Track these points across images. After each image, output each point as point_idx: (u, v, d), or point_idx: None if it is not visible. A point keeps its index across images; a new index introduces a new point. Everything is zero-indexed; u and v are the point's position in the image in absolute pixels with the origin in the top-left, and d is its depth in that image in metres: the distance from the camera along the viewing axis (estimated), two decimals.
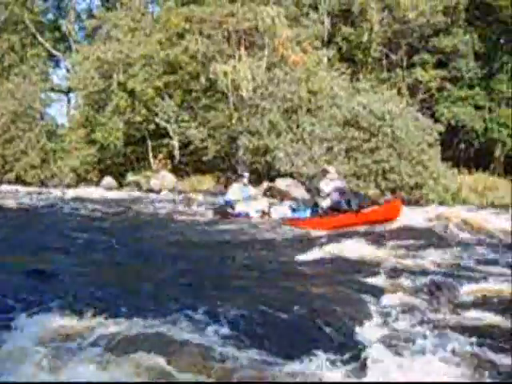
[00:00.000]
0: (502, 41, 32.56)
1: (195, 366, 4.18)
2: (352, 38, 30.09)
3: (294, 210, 13.88)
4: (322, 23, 30.43)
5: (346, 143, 21.12)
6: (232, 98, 26.47)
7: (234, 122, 26.55)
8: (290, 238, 11.27)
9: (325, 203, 12.54)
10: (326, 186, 12.81)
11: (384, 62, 31.24)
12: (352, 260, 8.66)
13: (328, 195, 12.64)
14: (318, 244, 9.85)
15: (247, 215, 14.55)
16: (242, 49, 26.77)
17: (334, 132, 21.47)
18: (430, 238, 11.08)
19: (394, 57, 30.86)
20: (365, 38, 29.26)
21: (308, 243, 10.23)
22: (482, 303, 6.16)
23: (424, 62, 29.74)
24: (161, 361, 4.18)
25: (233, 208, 15.04)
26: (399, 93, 26.69)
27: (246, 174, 16.06)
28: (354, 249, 9.35)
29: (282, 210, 14.22)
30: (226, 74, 25.60)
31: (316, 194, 13.16)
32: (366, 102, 21.74)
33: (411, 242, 10.43)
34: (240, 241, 10.98)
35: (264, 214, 14.59)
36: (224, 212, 15.00)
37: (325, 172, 13.30)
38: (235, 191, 15.22)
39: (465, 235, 11.64)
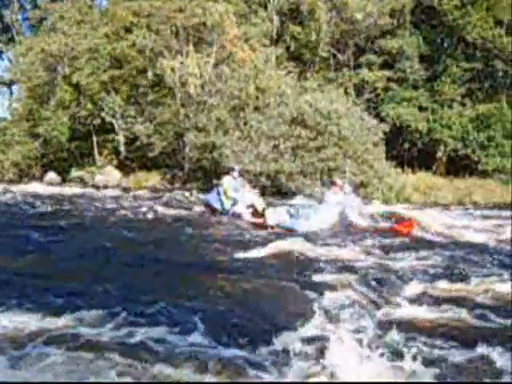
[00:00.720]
0: (445, 44, 33.30)
1: (150, 363, 4.16)
2: (300, 37, 30.23)
3: (291, 216, 12.89)
4: (271, 21, 30.48)
5: (292, 141, 21.17)
6: (179, 94, 26.23)
7: (180, 118, 26.32)
8: (248, 235, 11.20)
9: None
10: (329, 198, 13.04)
11: (331, 61, 31.52)
12: (299, 258, 8.69)
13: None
14: (265, 242, 9.82)
15: (239, 216, 13.95)
16: (190, 45, 26.53)
17: (281, 130, 21.50)
18: (374, 236, 11.24)
19: (341, 57, 31.17)
20: (313, 37, 29.44)
21: (256, 241, 10.18)
22: (422, 299, 6.27)
23: (370, 63, 30.17)
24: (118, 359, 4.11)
25: (210, 206, 14.84)
26: (346, 92, 26.98)
27: (237, 168, 15.74)
28: (302, 247, 9.38)
29: (279, 215, 13.10)
30: (173, 69, 25.36)
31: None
32: (313, 101, 21.86)
33: (357, 239, 10.55)
34: (195, 237, 10.87)
35: (257, 213, 13.76)
36: (213, 208, 14.76)
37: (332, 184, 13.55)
38: (226, 181, 14.93)
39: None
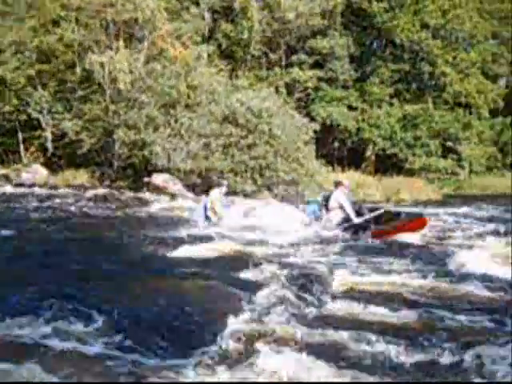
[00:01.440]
0: (375, 45, 34.09)
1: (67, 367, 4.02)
2: (232, 35, 30.24)
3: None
4: (203, 18, 30.35)
5: (223, 139, 21.13)
6: (109, 91, 25.72)
7: (110, 114, 25.81)
8: (182, 234, 11.06)
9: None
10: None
11: (263, 60, 31.70)
12: (227, 257, 8.63)
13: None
14: (197, 242, 9.73)
15: None
16: (121, 40, 26.04)
17: (212, 128, 21.43)
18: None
19: (273, 56, 31.38)
20: (245, 35, 29.49)
21: (189, 240, 10.06)
22: (351, 295, 6.35)
23: (301, 62, 30.53)
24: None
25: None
26: (277, 91, 27.16)
27: (225, 183, 14.38)
28: (234, 247, 9.34)
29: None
30: (102, 65, 24.81)
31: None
32: (245, 99, 21.89)
33: (287, 238, 10.58)
34: (123, 236, 10.65)
35: None
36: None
37: (339, 184, 12.18)
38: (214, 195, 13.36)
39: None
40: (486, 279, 7.06)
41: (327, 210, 11.97)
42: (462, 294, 6.47)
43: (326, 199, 12.15)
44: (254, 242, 10.11)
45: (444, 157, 30.80)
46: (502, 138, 33.54)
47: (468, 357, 4.32)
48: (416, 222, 11.19)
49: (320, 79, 30.49)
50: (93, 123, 27.21)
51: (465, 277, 7.23)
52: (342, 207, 11.63)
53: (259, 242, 10.13)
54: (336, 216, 11.74)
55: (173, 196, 19.66)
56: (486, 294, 6.48)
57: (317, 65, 30.93)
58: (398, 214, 12.05)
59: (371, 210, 11.83)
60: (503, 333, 4.96)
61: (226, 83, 25.32)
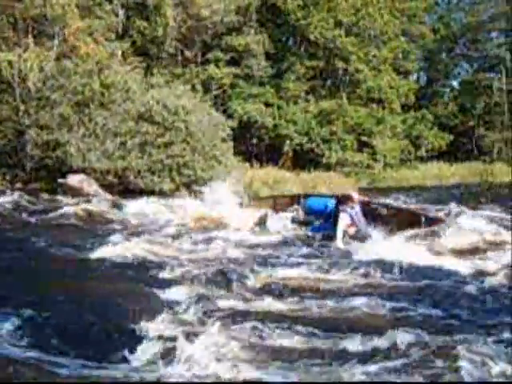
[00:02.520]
0: (290, 42, 34.52)
1: None
2: (147, 32, 29.83)
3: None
4: (116, 15, 29.76)
5: (139, 138, 20.82)
6: (18, 90, 24.80)
7: (20, 114, 24.89)
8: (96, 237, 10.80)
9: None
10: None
11: (179, 57, 31.46)
12: (143, 257, 8.51)
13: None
14: (109, 242, 9.54)
15: None
16: (30, 37, 25.19)
17: (128, 126, 21.08)
18: (219, 229, 11.34)
19: (188, 53, 31.19)
20: (160, 32, 29.18)
21: (103, 242, 9.82)
22: (268, 289, 6.40)
23: (217, 60, 30.51)
24: None
25: None
26: (193, 88, 26.97)
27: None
28: (145, 247, 9.21)
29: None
30: (10, 63, 23.91)
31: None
32: (160, 97, 21.66)
33: (202, 236, 10.55)
34: (36, 241, 10.27)
35: None
36: None
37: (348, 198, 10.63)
38: None
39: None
40: (397, 268, 7.35)
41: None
42: (367, 284, 6.66)
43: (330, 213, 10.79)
44: (170, 240, 10.03)
45: (359, 151, 31.56)
46: (413, 131, 34.70)
47: (373, 342, 4.44)
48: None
49: (236, 76, 30.58)
50: (2, 124, 26.17)
51: (377, 268, 7.45)
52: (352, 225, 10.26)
53: (177, 239, 10.07)
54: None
55: (88, 197, 19.21)
56: (395, 282, 6.71)
57: (233, 62, 31.00)
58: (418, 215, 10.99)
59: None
60: (401, 317, 5.13)
61: (140, 81, 24.91)
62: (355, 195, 10.65)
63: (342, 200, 10.44)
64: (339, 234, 9.94)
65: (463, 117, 40.91)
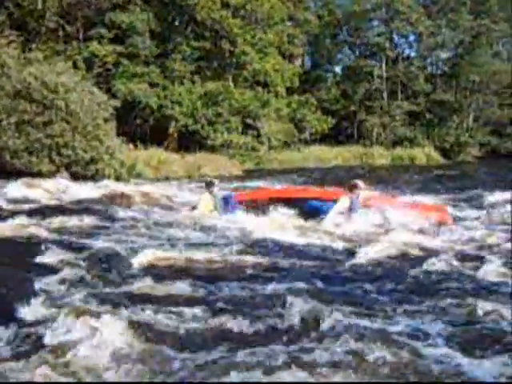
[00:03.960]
0: (176, 22, 34.08)
1: None
2: (24, 4, 28.41)
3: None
4: None
5: (16, 116, 19.86)
6: None
7: None
8: None
9: None
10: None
11: (60, 33, 30.27)
12: (22, 239, 8.15)
13: None
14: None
15: None
16: None
17: (4, 104, 20.04)
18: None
19: (70, 29, 30.06)
20: (39, 5, 27.92)
21: None
22: (151, 271, 6.35)
23: (101, 36, 29.62)
24: None
25: None
26: (75, 66, 26.07)
27: (216, 182, 11.49)
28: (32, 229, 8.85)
29: None
30: None
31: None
32: (39, 74, 20.73)
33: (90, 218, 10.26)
34: None
35: None
36: None
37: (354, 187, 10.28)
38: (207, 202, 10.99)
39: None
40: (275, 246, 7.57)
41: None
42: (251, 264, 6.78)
43: None
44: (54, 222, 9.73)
45: (244, 133, 31.89)
46: (297, 115, 35.51)
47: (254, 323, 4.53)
48: None
49: (120, 54, 29.85)
50: None
51: (254, 245, 7.63)
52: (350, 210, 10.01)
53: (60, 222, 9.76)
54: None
55: None
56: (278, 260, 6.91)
57: (117, 39, 30.20)
58: None
59: None
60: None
61: (17, 56, 23.73)
62: (361, 184, 10.38)
63: (350, 188, 10.28)
64: (332, 213, 9.84)
65: (345, 102, 42.38)
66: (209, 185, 11.06)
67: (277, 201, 10.52)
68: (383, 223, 9.57)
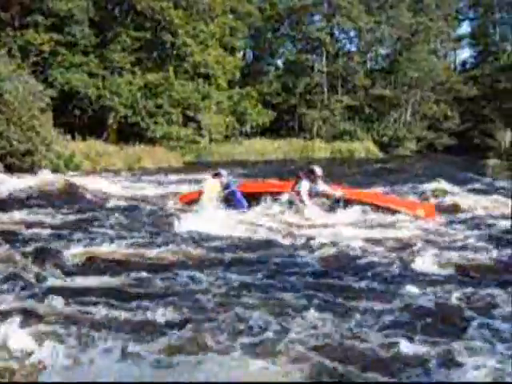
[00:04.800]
0: (116, 11, 33.54)
1: None
2: None
3: None
4: None
5: None
6: None
7: None
8: None
9: None
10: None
11: None
12: None
13: None
14: None
15: None
16: None
17: None
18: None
19: (4, 15, 29.11)
20: None
21: None
22: (88, 266, 6.26)
23: (37, 24, 28.83)
24: None
25: None
26: (10, 54, 25.29)
27: (224, 172, 11.24)
28: None
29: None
30: None
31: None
32: None
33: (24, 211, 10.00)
34: None
35: None
36: None
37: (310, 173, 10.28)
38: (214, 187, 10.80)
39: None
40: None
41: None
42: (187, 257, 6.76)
43: None
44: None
45: (185, 125, 31.71)
46: (238, 108, 35.52)
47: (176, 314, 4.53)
48: None
49: (58, 43, 29.12)
50: None
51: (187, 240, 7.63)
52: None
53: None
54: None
55: None
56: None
57: (54, 28, 29.43)
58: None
59: None
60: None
61: None
62: (318, 170, 10.38)
63: (306, 173, 10.32)
64: (304, 196, 9.87)
65: (286, 95, 42.63)
66: (217, 175, 10.98)
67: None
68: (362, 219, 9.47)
